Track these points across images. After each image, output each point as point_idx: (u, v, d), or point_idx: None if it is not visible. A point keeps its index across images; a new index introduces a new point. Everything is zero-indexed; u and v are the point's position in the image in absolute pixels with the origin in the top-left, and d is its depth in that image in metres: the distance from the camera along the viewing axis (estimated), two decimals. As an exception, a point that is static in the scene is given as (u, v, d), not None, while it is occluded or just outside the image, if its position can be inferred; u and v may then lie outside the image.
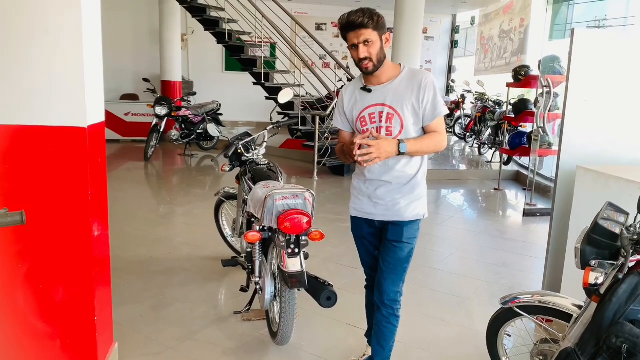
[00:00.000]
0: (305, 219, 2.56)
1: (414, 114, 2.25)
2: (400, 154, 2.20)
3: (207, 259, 4.20)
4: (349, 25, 2.15)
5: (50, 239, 2.18)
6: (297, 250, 2.58)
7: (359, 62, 2.22)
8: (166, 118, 8.42)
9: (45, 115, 2.07)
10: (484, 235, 5.27)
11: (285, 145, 8.91)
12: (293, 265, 2.56)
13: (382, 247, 2.42)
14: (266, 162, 3.49)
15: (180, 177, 7.93)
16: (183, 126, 8.67)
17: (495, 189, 7.35)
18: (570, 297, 2.29)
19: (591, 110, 3.07)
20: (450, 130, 11.84)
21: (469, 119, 10.42)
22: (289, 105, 8.47)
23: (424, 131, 2.32)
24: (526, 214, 5.95)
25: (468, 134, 10.47)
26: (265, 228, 2.73)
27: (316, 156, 7.27)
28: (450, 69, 13.96)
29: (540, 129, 5.91)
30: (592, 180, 2.86)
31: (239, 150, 3.43)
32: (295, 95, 8.72)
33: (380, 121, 2.27)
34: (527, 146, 6.74)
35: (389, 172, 2.32)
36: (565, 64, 6.43)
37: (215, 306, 3.47)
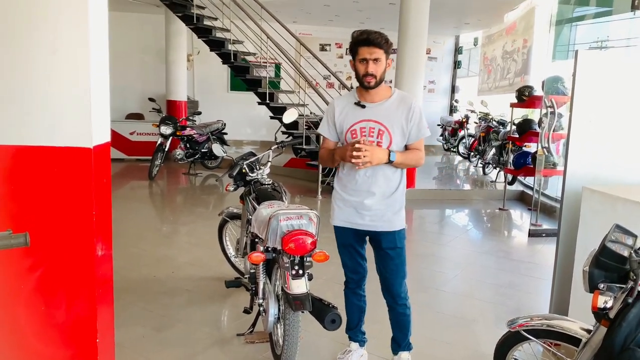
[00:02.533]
0: (309, 240, 2.54)
1: (402, 133, 2.54)
2: (389, 162, 2.47)
3: (210, 280, 4.17)
4: (366, 41, 2.42)
5: (53, 260, 2.16)
6: (301, 272, 2.55)
7: (363, 77, 2.47)
8: (171, 137, 8.46)
9: (50, 135, 2.07)
10: (489, 256, 5.22)
11: (289, 164, 8.92)
12: (297, 287, 2.53)
13: (379, 256, 2.69)
14: (270, 182, 3.48)
15: (184, 196, 7.94)
16: (188, 145, 8.71)
17: (500, 208, 7.31)
18: (579, 320, 2.26)
19: (596, 130, 3.07)
20: (455, 149, 11.85)
21: (473, 139, 10.42)
22: (293, 124, 8.50)
23: (406, 148, 2.61)
24: (531, 234, 5.91)
25: (472, 153, 10.46)
26: (270, 249, 2.71)
27: (320, 175, 7.26)
28: (453, 89, 14.02)
29: (544, 149, 5.90)
30: (599, 201, 2.83)
31: (244, 170, 3.43)
32: (299, 115, 8.77)
33: (371, 135, 2.52)
34: (532, 166, 6.71)
35: (376, 182, 2.55)
36: (568, 85, 6.47)
37: (218, 328, 3.44)
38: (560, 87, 6.19)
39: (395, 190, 2.60)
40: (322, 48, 12.10)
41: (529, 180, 7.60)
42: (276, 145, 3.69)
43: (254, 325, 3.22)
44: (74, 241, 2.17)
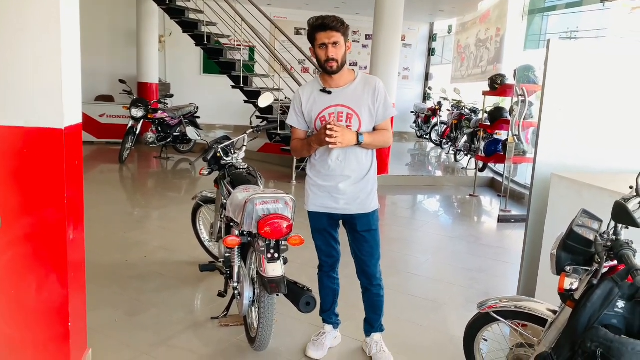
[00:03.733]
0: (285, 224, 2.55)
1: (369, 114, 2.56)
2: (358, 143, 2.48)
3: (183, 264, 4.15)
4: (322, 26, 2.43)
5: (24, 243, 2.12)
6: (276, 255, 2.57)
7: (325, 62, 2.49)
8: (142, 120, 8.32)
9: (20, 115, 2.02)
10: (459, 241, 5.33)
11: (263, 150, 8.87)
12: (273, 270, 2.55)
13: (354, 239, 2.72)
14: (246, 166, 3.47)
15: (155, 180, 7.83)
16: (159, 129, 8.58)
17: (470, 195, 7.45)
18: (545, 302, 2.34)
19: (566, 119, 3.14)
20: (427, 136, 11.97)
21: (446, 126, 10.54)
22: (268, 109, 8.45)
23: (374, 129, 2.62)
24: (501, 220, 6.05)
25: (444, 140, 10.59)
26: (245, 233, 2.71)
27: (295, 161, 7.25)
28: (427, 77, 14.12)
29: (515, 137, 6.02)
30: (566, 187, 2.92)
31: (218, 154, 3.41)
32: (274, 100, 8.72)
33: (340, 120, 2.53)
34: (502, 153, 6.85)
35: (349, 166, 2.58)
36: (539, 74, 6.59)
37: (192, 311, 3.43)
38: (531, 76, 6.30)
39: (368, 172, 2.63)
40: (297, 32, 11.99)
41: (499, 167, 7.75)
42: (251, 130, 3.67)
43: (228, 308, 3.23)
44: (45, 224, 2.13)
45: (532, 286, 3.20)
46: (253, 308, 2.87)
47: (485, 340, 2.55)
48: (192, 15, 9.06)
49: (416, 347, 3.10)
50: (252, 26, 8.11)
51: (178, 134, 8.87)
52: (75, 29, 2.18)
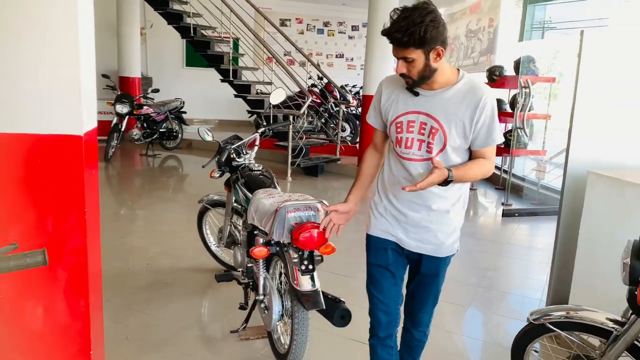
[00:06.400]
0: (319, 233, 2.35)
1: (463, 135, 1.89)
2: (446, 182, 1.84)
3: (189, 271, 3.92)
4: (389, 38, 1.81)
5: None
6: (311, 267, 2.37)
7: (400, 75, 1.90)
8: (127, 116, 7.98)
9: (35, 122, 1.78)
10: (467, 238, 5.19)
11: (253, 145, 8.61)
12: (307, 283, 2.35)
13: (414, 280, 2.12)
14: (260, 168, 3.26)
15: (144, 179, 7.52)
16: (145, 125, 8.26)
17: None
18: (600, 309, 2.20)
19: (600, 113, 3.01)
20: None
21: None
22: (259, 103, 8.21)
23: (470, 155, 1.97)
24: (505, 214, 5.95)
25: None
26: (272, 242, 2.51)
27: (290, 157, 7.04)
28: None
29: (518, 130, 5.91)
30: (606, 186, 2.79)
31: (231, 155, 3.19)
32: (263, 93, 8.47)
33: (421, 133, 1.92)
34: (502, 146, 6.75)
35: (430, 194, 1.94)
36: (539, 65, 6.50)
37: (207, 325, 3.22)
38: (532, 68, 6.20)
39: (452, 206, 2.00)
40: (282, 23, 11.73)
41: (497, 159, 7.66)
42: (263, 129, 3.45)
43: (247, 320, 3.03)
44: (64, 240, 1.89)
45: (565, 291, 3.07)
46: (280, 322, 2.68)
47: (536, 352, 2.41)
48: (176, 6, 8.72)
49: (448, 355, 2.95)
50: (240, 17, 7.83)
51: (164, 130, 8.57)
52: (90, 26, 1.94)
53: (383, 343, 2.16)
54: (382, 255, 2.08)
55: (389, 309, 2.12)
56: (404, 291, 2.19)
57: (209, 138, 3.26)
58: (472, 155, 1.97)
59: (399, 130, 1.96)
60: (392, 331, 2.16)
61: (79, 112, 1.82)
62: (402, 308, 2.22)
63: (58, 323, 1.96)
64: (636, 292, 1.84)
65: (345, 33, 12.74)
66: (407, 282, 2.18)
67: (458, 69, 1.95)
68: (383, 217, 2.06)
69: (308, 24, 12.39)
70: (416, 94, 1.93)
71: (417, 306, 2.15)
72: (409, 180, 1.96)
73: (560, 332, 2.19)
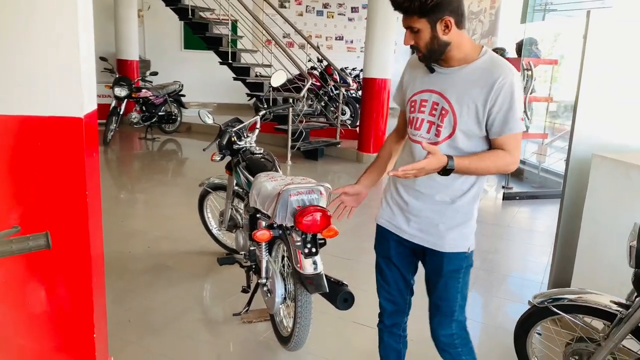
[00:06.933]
0: (323, 216, 2.34)
1: (475, 120, 1.70)
2: (445, 171, 1.66)
3: (190, 254, 3.91)
4: (393, 4, 1.67)
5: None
6: (314, 250, 2.36)
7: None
8: (126, 100, 7.92)
9: (34, 103, 1.75)
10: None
11: (253, 128, 8.56)
12: (310, 266, 2.34)
13: (425, 280, 1.96)
14: (261, 151, 3.23)
15: (143, 163, 7.49)
16: (144, 108, 8.20)
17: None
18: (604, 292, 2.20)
19: (605, 95, 2.98)
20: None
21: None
22: (259, 86, 8.14)
23: (490, 144, 1.76)
24: (505, 197, 5.94)
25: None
26: (275, 225, 2.49)
27: (290, 140, 7.00)
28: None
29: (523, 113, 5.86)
30: (611, 169, 2.77)
31: (233, 139, 3.16)
32: (262, 76, 8.40)
33: (432, 114, 1.76)
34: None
35: (434, 183, 1.78)
36: (541, 47, 6.44)
37: (209, 307, 3.22)
38: (535, 50, 6.14)
39: (461, 197, 1.80)
40: (281, 5, 11.59)
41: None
42: (263, 112, 3.41)
43: (249, 303, 3.03)
44: (66, 225, 1.88)
45: (567, 273, 3.07)
46: (283, 305, 2.68)
47: (539, 334, 2.42)
48: (174, -12, 8.61)
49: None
50: (237, -2, 7.73)
51: (163, 113, 8.52)
52: (89, 7, 1.90)
53: (390, 330, 2.10)
54: (384, 246, 1.99)
55: (395, 299, 2.03)
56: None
57: (209, 121, 3.23)
58: (491, 146, 1.77)
59: (412, 109, 1.84)
60: (398, 320, 2.08)
61: (79, 94, 1.79)
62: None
63: (61, 307, 1.96)
64: (642, 275, 1.83)
65: (345, 15, 12.60)
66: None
67: (482, 46, 1.78)
68: (388, 206, 1.95)
69: (307, 6, 12.24)
70: (432, 71, 1.78)
71: (431, 312, 1.97)
72: (411, 162, 1.77)
73: (564, 315, 2.19)
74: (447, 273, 1.86)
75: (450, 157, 1.66)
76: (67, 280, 1.94)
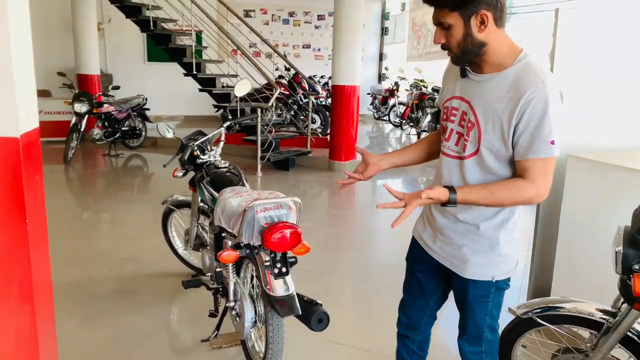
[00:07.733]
0: (292, 233, 2.18)
1: (500, 138, 1.51)
2: (447, 204, 1.52)
3: (155, 277, 3.70)
4: None
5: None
6: (284, 270, 2.20)
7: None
8: (87, 115, 7.62)
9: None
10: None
11: (218, 141, 8.36)
12: (281, 287, 2.18)
13: (454, 298, 1.86)
14: (227, 165, 3.06)
15: (107, 181, 7.20)
16: (106, 124, 7.91)
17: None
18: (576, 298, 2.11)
19: (578, 95, 2.91)
20: (386, 118, 11.77)
21: (405, 107, 10.36)
22: (225, 97, 7.96)
23: (516, 169, 1.55)
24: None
25: (404, 121, 10.42)
26: (242, 245, 2.33)
27: (259, 151, 6.83)
28: (381, 57, 13.90)
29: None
30: (588, 169, 2.70)
31: (195, 153, 2.98)
32: (229, 86, 8.22)
33: (461, 125, 1.59)
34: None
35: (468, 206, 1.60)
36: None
37: (176, 334, 3.02)
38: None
39: (484, 222, 1.63)
40: (247, 14, 11.44)
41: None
42: (229, 123, 3.25)
43: (218, 327, 2.84)
44: (3, 257, 1.68)
45: (547, 280, 2.99)
46: (253, 329, 2.51)
47: (524, 347, 2.31)
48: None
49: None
50: (202, 8, 7.56)
51: (127, 128, 8.25)
52: (24, 15, 1.72)
53: (402, 342, 2.01)
54: (412, 257, 1.92)
55: (411, 314, 1.95)
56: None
57: (169, 135, 3.05)
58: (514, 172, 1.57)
59: (444, 117, 1.67)
60: (410, 334, 1.98)
61: (13, 111, 1.61)
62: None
63: (4, 341, 1.75)
64: (629, 282, 1.73)
65: (311, 23, 12.53)
66: None
67: (522, 50, 1.54)
68: (422, 218, 1.86)
69: (273, 15, 12.12)
70: (464, 76, 1.59)
71: (460, 328, 1.85)
72: (439, 178, 1.71)
73: (549, 325, 2.08)
74: (473, 298, 1.74)
75: (453, 190, 1.51)
76: (7, 313, 1.74)
